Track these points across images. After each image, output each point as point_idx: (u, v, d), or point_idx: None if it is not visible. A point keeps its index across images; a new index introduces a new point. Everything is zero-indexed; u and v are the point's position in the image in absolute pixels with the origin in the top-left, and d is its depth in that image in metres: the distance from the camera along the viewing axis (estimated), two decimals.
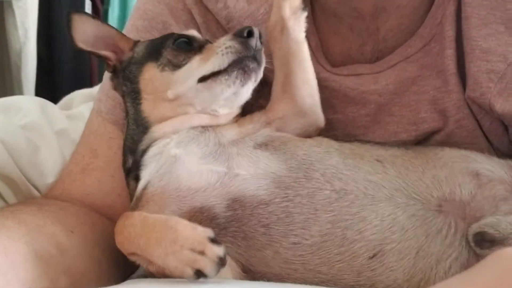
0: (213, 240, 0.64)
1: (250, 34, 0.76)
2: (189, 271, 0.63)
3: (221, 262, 0.63)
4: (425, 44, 0.85)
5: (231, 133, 0.78)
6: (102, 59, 0.86)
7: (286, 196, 0.71)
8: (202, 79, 0.77)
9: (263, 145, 0.76)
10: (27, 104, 1.20)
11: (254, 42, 0.76)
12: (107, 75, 0.91)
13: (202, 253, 0.63)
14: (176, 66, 0.79)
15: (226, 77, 0.76)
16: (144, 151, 0.79)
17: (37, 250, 0.71)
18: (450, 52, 0.83)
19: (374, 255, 0.68)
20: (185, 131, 0.78)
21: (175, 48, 0.80)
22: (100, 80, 1.03)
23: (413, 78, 0.85)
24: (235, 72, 0.76)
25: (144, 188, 0.75)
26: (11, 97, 1.32)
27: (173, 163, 0.74)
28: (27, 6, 2.17)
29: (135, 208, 0.75)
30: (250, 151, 0.75)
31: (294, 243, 0.70)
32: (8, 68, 2.21)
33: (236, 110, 0.83)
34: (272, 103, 0.82)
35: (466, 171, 0.73)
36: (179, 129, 0.78)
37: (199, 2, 0.90)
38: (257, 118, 0.81)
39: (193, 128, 0.79)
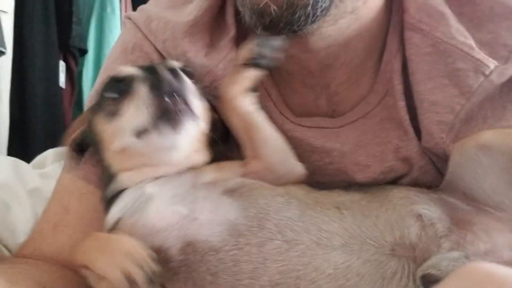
0: (155, 261, 0.68)
1: (158, 76, 0.75)
2: (124, 280, 0.66)
3: (155, 277, 0.67)
4: (381, 99, 0.88)
5: (208, 176, 0.79)
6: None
7: (237, 244, 0.71)
8: (138, 134, 0.75)
9: (231, 191, 0.76)
10: None
11: (166, 87, 0.74)
12: None
13: (141, 267, 0.66)
14: (112, 115, 0.78)
15: (157, 134, 0.74)
16: (112, 198, 0.79)
17: None
18: (402, 104, 0.86)
19: None
20: None
21: (108, 94, 0.80)
22: None
23: (373, 131, 0.88)
24: (163, 126, 0.74)
25: (116, 223, 0.76)
26: None
27: (146, 201, 0.76)
28: (0, 69, 2.20)
29: None
30: (217, 196, 0.76)
31: None
32: None
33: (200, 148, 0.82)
34: (248, 158, 0.83)
35: (411, 213, 0.74)
36: (146, 179, 0.78)
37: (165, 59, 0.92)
38: (236, 168, 0.82)
39: None
